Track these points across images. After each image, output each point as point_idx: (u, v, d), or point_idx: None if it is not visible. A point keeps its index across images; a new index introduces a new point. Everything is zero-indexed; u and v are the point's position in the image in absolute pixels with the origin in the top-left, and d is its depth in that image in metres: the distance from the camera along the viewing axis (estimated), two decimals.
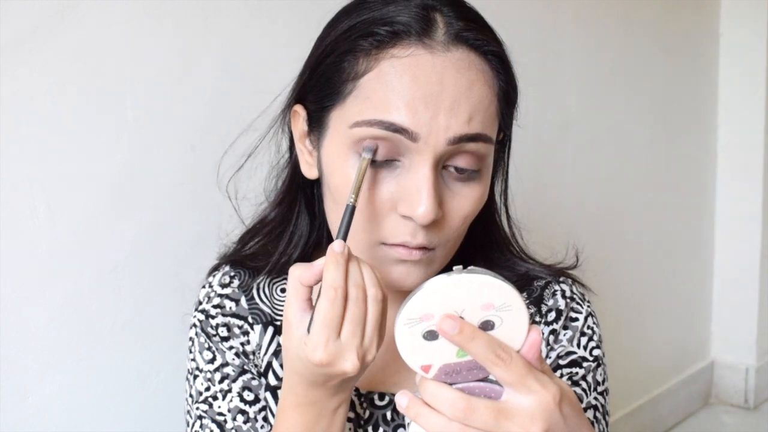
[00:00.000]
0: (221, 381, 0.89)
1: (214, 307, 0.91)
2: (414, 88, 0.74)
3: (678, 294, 2.28)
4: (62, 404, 1.06)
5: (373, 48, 0.76)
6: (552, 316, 0.88)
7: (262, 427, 0.87)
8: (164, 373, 1.14)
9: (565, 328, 0.88)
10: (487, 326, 0.63)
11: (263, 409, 0.89)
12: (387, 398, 0.87)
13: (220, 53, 1.15)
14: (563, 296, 0.89)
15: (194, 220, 1.15)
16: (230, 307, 0.91)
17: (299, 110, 0.83)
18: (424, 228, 0.76)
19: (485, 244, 0.89)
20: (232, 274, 0.92)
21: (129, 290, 1.10)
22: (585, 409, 0.86)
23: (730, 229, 2.34)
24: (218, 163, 1.07)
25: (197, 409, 0.89)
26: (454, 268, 0.63)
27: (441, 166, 0.76)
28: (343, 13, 0.81)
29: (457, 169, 0.77)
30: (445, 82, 0.75)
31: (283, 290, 0.92)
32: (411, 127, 0.74)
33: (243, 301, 0.91)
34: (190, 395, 0.91)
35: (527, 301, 0.89)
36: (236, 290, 0.91)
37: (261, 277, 0.92)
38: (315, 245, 0.91)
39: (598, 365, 0.88)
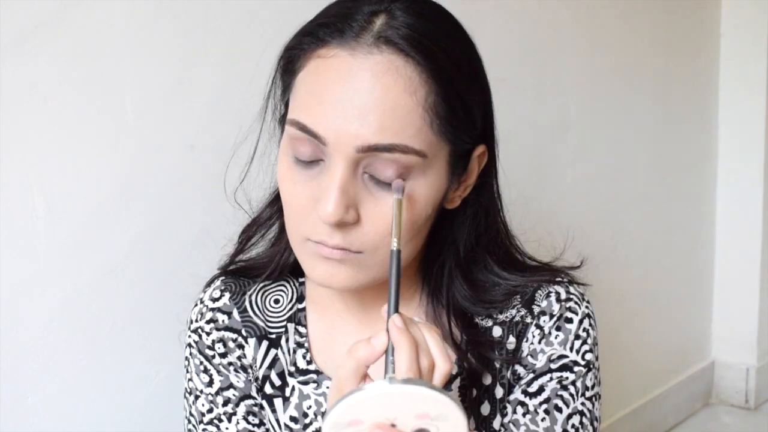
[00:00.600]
0: (225, 404, 0.89)
1: (207, 322, 0.91)
2: (328, 90, 0.74)
3: (678, 294, 2.28)
4: (62, 404, 1.06)
5: (308, 47, 0.77)
6: (544, 318, 0.87)
7: None
8: (164, 373, 1.14)
9: (558, 329, 0.87)
10: None
11: (267, 430, 0.89)
12: None
13: (220, 53, 1.15)
14: (558, 299, 0.88)
15: (194, 220, 1.14)
16: (223, 321, 0.91)
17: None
18: (338, 229, 0.75)
19: (473, 267, 0.87)
20: (223, 287, 0.92)
21: (129, 290, 1.10)
22: (571, 415, 0.85)
23: (731, 228, 2.34)
24: (224, 174, 1.05)
25: (203, 430, 0.89)
26: (388, 376, 0.61)
27: (362, 170, 0.75)
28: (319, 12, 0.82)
29: (378, 174, 0.75)
30: (358, 87, 0.73)
31: (276, 301, 0.92)
32: (320, 132, 0.74)
33: (235, 313, 0.91)
34: (191, 414, 0.91)
35: (519, 303, 0.88)
36: (228, 303, 0.91)
37: (252, 288, 0.92)
38: None
39: (589, 370, 0.87)
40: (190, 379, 0.91)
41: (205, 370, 0.90)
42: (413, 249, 0.81)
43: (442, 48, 0.76)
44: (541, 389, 0.86)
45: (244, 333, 0.90)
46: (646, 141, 2.09)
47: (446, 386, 0.86)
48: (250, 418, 0.89)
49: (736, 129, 2.30)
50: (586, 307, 0.89)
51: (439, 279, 0.86)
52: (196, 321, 0.92)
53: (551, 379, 0.86)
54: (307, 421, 0.89)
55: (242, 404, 0.89)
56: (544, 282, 0.89)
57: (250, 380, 0.90)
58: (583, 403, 0.86)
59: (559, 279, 0.89)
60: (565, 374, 0.86)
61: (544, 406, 0.85)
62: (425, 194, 0.78)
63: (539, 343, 0.87)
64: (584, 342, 0.87)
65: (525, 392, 0.86)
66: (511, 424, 0.86)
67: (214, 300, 0.92)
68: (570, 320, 0.87)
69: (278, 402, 0.90)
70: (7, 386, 1.01)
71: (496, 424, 0.87)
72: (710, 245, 2.37)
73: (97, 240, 1.06)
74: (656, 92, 2.09)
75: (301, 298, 0.92)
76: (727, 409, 2.35)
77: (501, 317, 0.88)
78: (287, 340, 0.90)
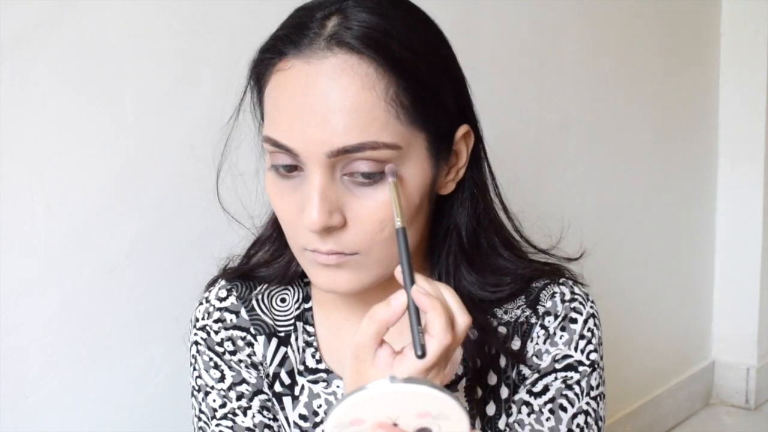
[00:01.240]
0: (239, 399, 0.89)
1: (215, 321, 0.91)
2: (288, 102, 0.75)
3: (679, 294, 2.28)
4: (62, 404, 1.06)
5: (269, 61, 0.78)
6: (548, 319, 0.87)
7: None
8: (164, 373, 1.14)
9: (562, 329, 0.87)
10: None
11: (280, 426, 0.89)
12: None
13: (220, 53, 1.15)
14: (562, 300, 0.88)
15: (194, 220, 1.14)
16: (231, 320, 0.91)
17: None
18: (328, 234, 0.76)
19: (475, 249, 0.87)
20: (229, 287, 0.92)
21: (129, 290, 1.10)
22: (576, 414, 0.86)
23: (731, 228, 2.34)
24: (216, 183, 1.05)
25: (217, 426, 0.89)
26: (390, 375, 0.61)
27: (340, 173, 0.75)
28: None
29: (356, 174, 0.75)
30: (315, 93, 0.73)
31: (283, 300, 0.92)
32: (288, 144, 0.75)
33: (243, 312, 0.91)
34: (202, 411, 0.90)
35: (524, 304, 0.88)
36: (235, 302, 0.91)
37: (257, 289, 0.92)
38: None
39: (594, 370, 0.87)
40: (199, 376, 0.91)
41: (216, 366, 0.90)
42: (409, 239, 0.81)
43: (396, 38, 0.76)
44: (545, 389, 0.86)
45: (252, 331, 0.91)
46: (646, 141, 2.09)
47: (452, 387, 0.86)
48: (265, 412, 0.89)
49: (736, 129, 2.30)
50: (591, 307, 0.89)
51: (445, 266, 0.86)
52: (203, 319, 0.92)
53: (556, 378, 0.86)
54: (317, 419, 0.89)
55: (256, 399, 0.89)
56: (549, 281, 0.89)
57: (262, 377, 0.90)
58: (588, 403, 0.86)
59: (563, 279, 0.89)
60: (569, 374, 0.86)
61: (549, 405, 0.85)
62: (409, 184, 0.78)
63: (544, 343, 0.87)
64: (589, 342, 0.87)
65: (530, 392, 0.86)
66: (516, 424, 0.86)
67: (221, 299, 0.92)
68: (574, 320, 0.88)
69: (287, 400, 0.90)
70: (8, 386, 1.00)
71: (501, 424, 0.87)
72: (710, 245, 2.37)
73: (97, 240, 1.06)
74: (656, 92, 2.09)
75: (307, 298, 0.92)
76: (727, 409, 2.36)
77: (506, 318, 0.88)
78: (296, 339, 0.91)
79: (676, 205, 2.23)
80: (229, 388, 0.89)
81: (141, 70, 1.07)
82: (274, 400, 0.90)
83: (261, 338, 0.91)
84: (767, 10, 2.22)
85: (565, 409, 0.85)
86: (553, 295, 0.88)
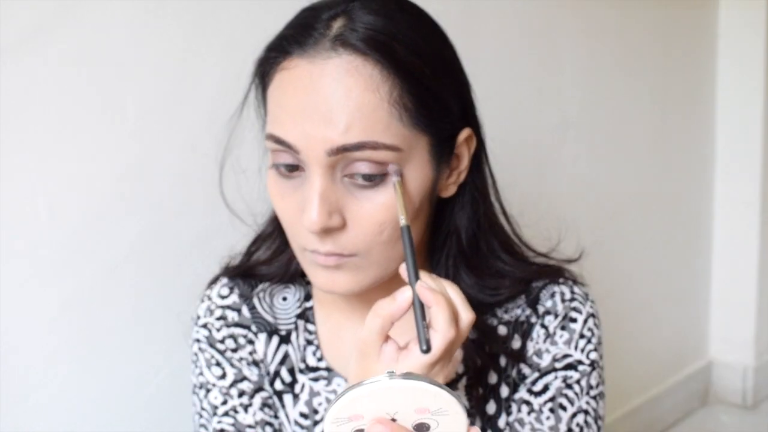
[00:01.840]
0: (240, 396, 0.89)
1: (218, 319, 0.91)
2: (293, 101, 0.75)
3: (676, 293, 2.28)
4: (62, 404, 1.06)
5: (274, 60, 0.78)
6: (549, 318, 0.88)
7: None
8: (164, 373, 1.14)
9: (562, 329, 0.88)
10: (422, 429, 0.62)
11: (281, 423, 0.89)
12: None
13: (221, 53, 1.15)
14: (562, 299, 0.88)
15: (194, 220, 1.15)
16: (232, 318, 0.91)
17: None
18: (327, 235, 0.76)
19: (474, 252, 0.87)
20: (231, 285, 0.93)
21: (129, 290, 1.10)
22: (576, 413, 0.86)
23: (729, 228, 2.34)
24: (219, 172, 1.06)
25: (218, 423, 0.89)
26: (388, 371, 0.62)
27: (341, 174, 0.76)
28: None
29: (356, 176, 0.76)
30: (321, 92, 0.74)
31: (284, 298, 0.93)
32: (290, 141, 0.75)
33: (245, 310, 0.92)
34: (203, 408, 0.91)
35: (524, 303, 0.89)
36: (237, 300, 0.92)
37: (260, 286, 0.92)
38: None
39: (593, 369, 0.87)
40: (200, 374, 0.91)
41: (218, 364, 0.90)
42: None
43: (401, 41, 0.76)
44: (545, 388, 0.86)
45: (254, 328, 0.91)
46: (645, 141, 2.09)
47: (452, 385, 0.87)
48: (266, 409, 0.90)
49: (734, 129, 2.30)
50: (591, 306, 0.90)
51: (444, 269, 0.86)
52: (205, 317, 0.92)
53: (556, 378, 0.87)
54: (317, 417, 0.89)
55: (257, 396, 0.90)
56: (549, 281, 0.89)
57: (262, 375, 0.90)
58: (587, 402, 0.87)
59: (563, 279, 0.90)
60: (569, 373, 0.87)
61: (549, 404, 0.86)
62: (410, 186, 0.78)
63: (544, 342, 0.87)
64: (588, 341, 0.88)
65: (530, 391, 0.87)
66: (516, 423, 0.86)
67: (223, 297, 0.92)
68: (574, 320, 0.88)
69: (288, 398, 0.90)
70: (8, 386, 1.01)
71: (502, 422, 0.87)
72: (708, 244, 2.37)
73: (98, 240, 1.06)
74: (655, 92, 2.10)
75: (308, 297, 0.93)
76: (724, 408, 2.36)
77: (506, 317, 0.89)
78: (297, 337, 0.91)
79: (674, 205, 2.23)
80: (231, 386, 0.90)
81: (142, 70, 1.07)
82: (275, 397, 0.90)
83: (262, 336, 0.91)
84: (765, 12, 2.22)
85: (564, 408, 0.86)
86: (553, 295, 0.89)
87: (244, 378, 0.90)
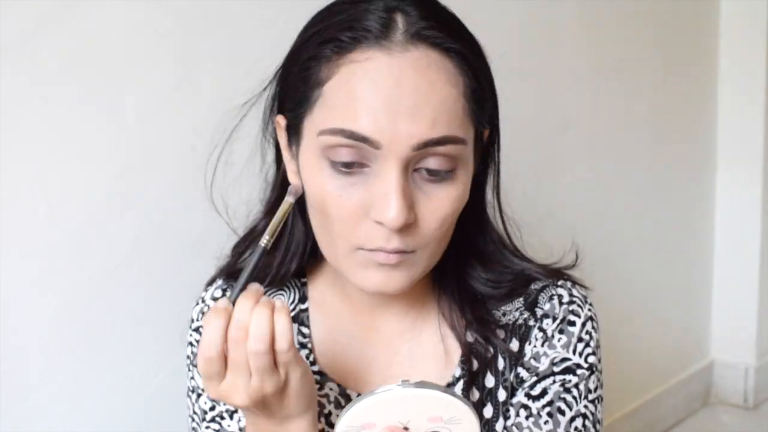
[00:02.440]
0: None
1: None
2: (373, 94, 0.73)
3: (677, 293, 2.28)
4: (62, 404, 1.06)
5: (334, 54, 0.75)
6: (547, 321, 0.87)
7: None
8: (164, 373, 1.14)
9: (561, 332, 0.87)
10: None
11: None
12: None
13: (221, 53, 1.15)
14: (560, 302, 0.87)
15: (194, 220, 1.14)
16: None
17: (280, 120, 0.83)
18: (397, 232, 0.75)
19: (480, 241, 0.89)
20: (224, 287, 0.92)
21: (129, 290, 1.10)
22: (574, 417, 0.85)
23: (730, 228, 2.34)
24: (205, 172, 1.05)
25: (207, 428, 0.89)
26: (402, 380, 0.62)
27: (411, 169, 0.75)
28: (311, 20, 0.81)
29: (428, 171, 0.75)
30: (404, 85, 0.73)
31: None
32: (372, 136, 0.73)
33: None
34: (194, 412, 0.90)
35: (522, 306, 0.88)
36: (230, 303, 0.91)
37: None
38: (311, 254, 0.90)
39: (592, 373, 0.87)
40: (192, 377, 0.91)
41: None
42: (450, 231, 0.82)
43: (464, 37, 0.78)
44: (544, 392, 0.86)
45: None
46: (645, 141, 2.09)
47: (450, 388, 0.86)
48: None
49: (734, 129, 2.30)
50: (589, 309, 0.89)
51: (450, 259, 0.86)
52: (197, 320, 0.92)
53: (554, 381, 0.86)
54: None
55: None
56: (547, 284, 0.89)
57: None
58: (585, 406, 0.86)
59: (562, 282, 0.89)
60: (568, 377, 0.86)
61: (547, 408, 0.85)
62: (466, 181, 0.79)
63: (542, 346, 0.87)
64: (587, 345, 0.87)
65: (528, 395, 0.86)
66: (514, 427, 0.86)
67: (216, 299, 0.92)
68: (573, 323, 0.87)
69: None
70: (8, 386, 1.01)
71: (499, 427, 0.87)
72: (709, 244, 2.37)
73: (98, 240, 1.06)
74: (655, 93, 2.09)
75: (303, 299, 0.92)
76: (726, 408, 2.36)
77: (504, 320, 0.88)
78: None
79: (675, 205, 2.23)
80: None
81: (142, 70, 1.07)
82: None
83: None
84: (766, 11, 2.22)
85: (563, 413, 0.85)
86: (551, 298, 0.88)
87: None
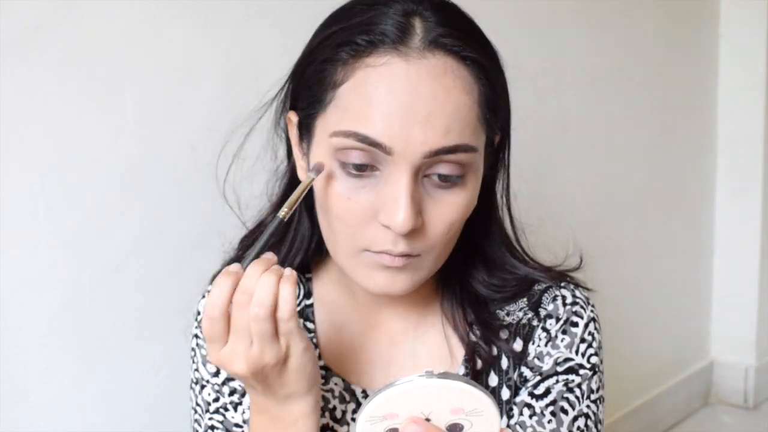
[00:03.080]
0: (231, 394, 0.89)
1: None
2: (388, 99, 0.73)
3: (677, 293, 2.28)
4: (62, 404, 1.06)
5: (350, 57, 0.75)
6: (550, 321, 0.88)
7: None
8: (164, 373, 1.14)
9: (564, 332, 0.87)
10: (455, 429, 0.62)
11: None
12: None
13: (220, 53, 1.15)
14: (564, 303, 0.88)
15: (194, 220, 1.15)
16: None
17: (292, 117, 0.83)
18: (404, 236, 0.75)
19: (486, 245, 0.89)
20: None
21: (129, 290, 1.10)
22: (576, 417, 0.86)
23: (730, 228, 2.34)
24: (216, 167, 1.05)
25: (210, 419, 0.89)
26: (425, 371, 0.62)
27: (421, 174, 0.75)
28: (328, 20, 0.81)
29: (439, 176, 0.76)
30: (420, 92, 0.73)
31: None
32: (385, 142, 0.73)
33: None
34: (197, 404, 0.90)
35: (526, 306, 0.89)
36: None
37: None
38: (316, 250, 0.90)
39: (594, 373, 0.87)
40: (197, 369, 0.91)
41: None
42: (459, 233, 0.82)
43: (481, 44, 0.78)
44: (547, 391, 0.86)
45: None
46: (645, 142, 2.09)
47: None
48: None
49: (735, 128, 2.30)
50: (591, 311, 0.90)
51: (455, 261, 0.86)
52: (203, 313, 0.92)
53: (557, 381, 0.86)
54: None
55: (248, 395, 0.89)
56: (551, 285, 0.89)
57: None
58: (588, 406, 0.86)
59: (565, 283, 0.90)
60: (571, 377, 0.86)
61: (551, 408, 0.86)
62: (476, 186, 0.79)
63: (546, 345, 0.87)
64: (589, 345, 0.88)
65: (531, 394, 0.86)
66: (517, 426, 0.86)
67: None
68: (576, 324, 0.88)
69: None
70: (8, 386, 1.00)
71: (503, 425, 0.87)
72: (709, 244, 2.37)
73: (98, 240, 1.06)
74: (655, 93, 2.10)
75: (308, 295, 0.92)
76: (726, 408, 2.36)
77: (508, 320, 0.89)
78: None
79: (675, 205, 2.23)
80: (223, 383, 0.89)
81: (142, 70, 1.07)
82: None
83: None
84: (766, 12, 2.22)
85: (566, 412, 0.85)
86: (555, 299, 0.89)
87: None
